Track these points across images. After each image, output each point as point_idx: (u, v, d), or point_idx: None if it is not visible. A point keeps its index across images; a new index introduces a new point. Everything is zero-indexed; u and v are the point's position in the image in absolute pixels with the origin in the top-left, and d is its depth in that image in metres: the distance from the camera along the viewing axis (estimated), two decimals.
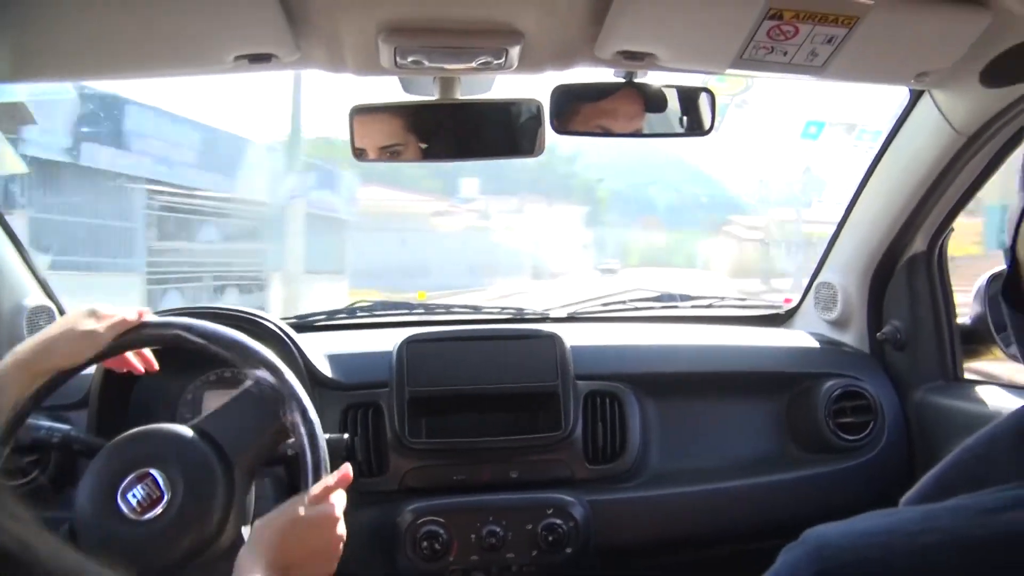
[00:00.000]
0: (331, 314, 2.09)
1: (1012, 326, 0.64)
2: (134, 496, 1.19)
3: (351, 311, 2.12)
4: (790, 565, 0.53)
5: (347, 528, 1.23)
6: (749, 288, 18.88)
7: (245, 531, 1.23)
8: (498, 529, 1.55)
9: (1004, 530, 0.49)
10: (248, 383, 1.26)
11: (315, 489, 1.15)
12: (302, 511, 1.12)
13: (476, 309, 2.13)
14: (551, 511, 1.57)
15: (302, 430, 1.22)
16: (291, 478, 1.42)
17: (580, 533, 1.57)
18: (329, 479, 1.17)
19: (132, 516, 1.17)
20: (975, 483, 0.55)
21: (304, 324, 2.03)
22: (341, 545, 1.17)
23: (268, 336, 1.56)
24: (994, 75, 1.31)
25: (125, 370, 1.33)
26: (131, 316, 1.24)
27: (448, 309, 2.13)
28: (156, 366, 1.34)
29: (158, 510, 1.17)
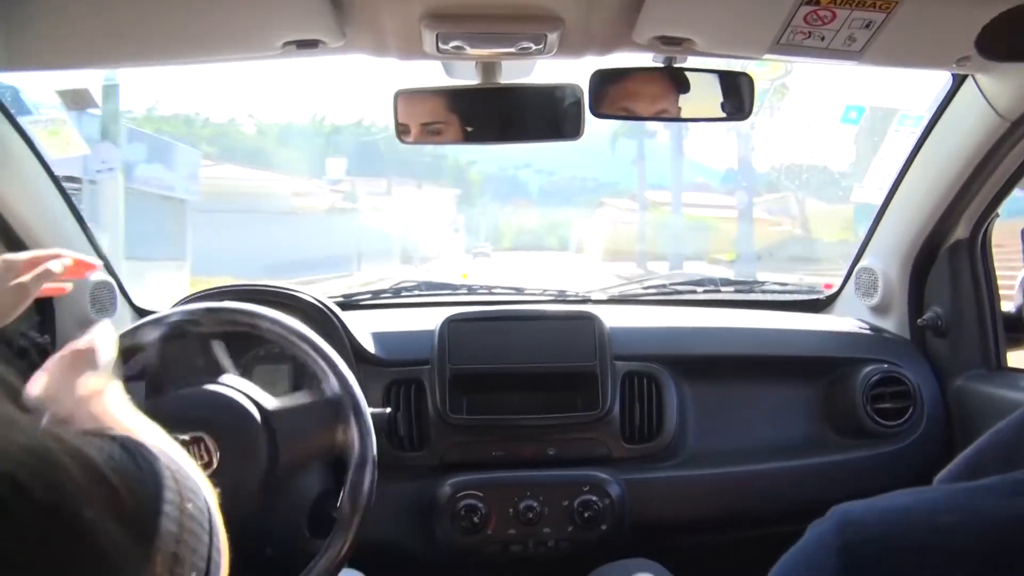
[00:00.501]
0: (376, 293, 2.14)
1: None
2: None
3: (396, 291, 2.17)
4: (815, 539, 0.54)
5: (388, 501, 1.28)
6: (624, 271, 18.88)
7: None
8: (535, 504, 1.59)
9: (1020, 513, 0.49)
10: (326, 394, 1.32)
11: None
12: None
13: (518, 290, 2.16)
14: (587, 488, 1.60)
15: (355, 449, 1.28)
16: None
17: (615, 510, 1.60)
18: None
19: None
20: (1004, 465, 0.55)
21: (349, 303, 2.08)
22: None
23: (311, 313, 1.62)
24: None
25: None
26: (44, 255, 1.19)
27: (490, 290, 2.17)
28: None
29: (208, 472, 1.23)
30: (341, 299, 2.09)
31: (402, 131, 1.47)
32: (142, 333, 1.34)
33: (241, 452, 1.25)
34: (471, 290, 2.18)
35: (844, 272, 2.04)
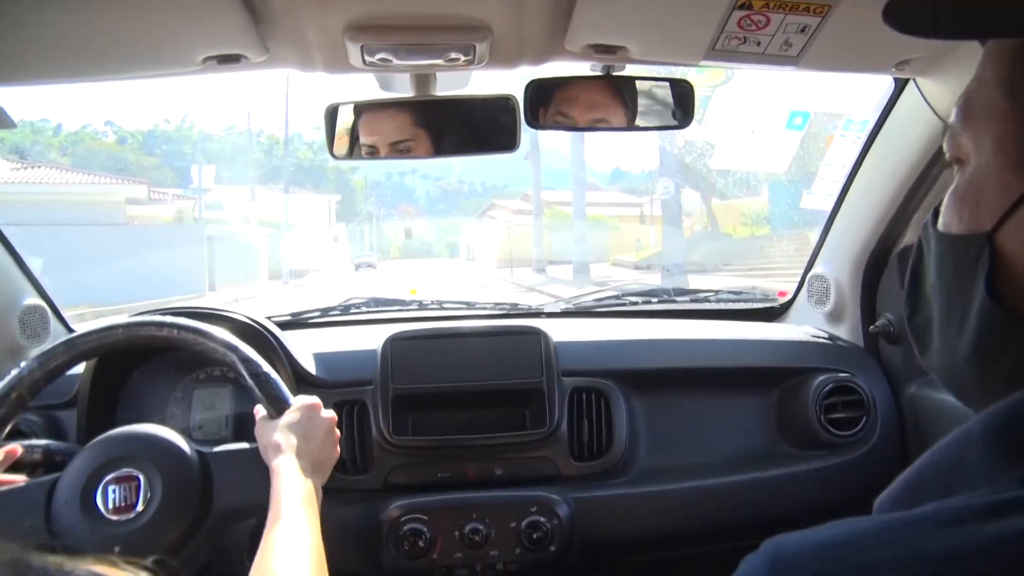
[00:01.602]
0: (325, 311, 2.10)
1: (982, 326, 0.59)
2: (113, 493, 1.20)
3: (345, 308, 2.13)
4: (746, 575, 0.52)
5: (331, 526, 1.25)
6: (522, 279, 18.77)
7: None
8: (481, 527, 1.54)
9: (960, 543, 0.46)
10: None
11: (304, 399, 1.30)
12: (306, 415, 1.28)
13: (470, 305, 2.13)
14: (535, 508, 1.56)
15: (243, 369, 1.31)
16: None
17: (564, 530, 1.56)
18: (304, 396, 1.32)
19: (107, 515, 1.19)
20: (944, 488, 0.53)
21: (298, 321, 2.04)
22: (338, 448, 1.33)
23: (245, 332, 1.57)
24: None
25: None
26: None
27: (441, 305, 2.13)
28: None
29: (131, 515, 1.19)
30: (288, 318, 2.05)
31: (333, 147, 1.43)
32: (55, 356, 1.28)
33: (174, 493, 1.21)
34: (422, 305, 2.14)
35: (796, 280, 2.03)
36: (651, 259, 19.95)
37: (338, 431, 1.35)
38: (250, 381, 1.31)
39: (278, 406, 1.29)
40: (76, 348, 1.31)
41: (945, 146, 0.63)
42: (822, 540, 0.50)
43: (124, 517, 1.19)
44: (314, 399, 1.32)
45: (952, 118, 0.62)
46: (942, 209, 0.63)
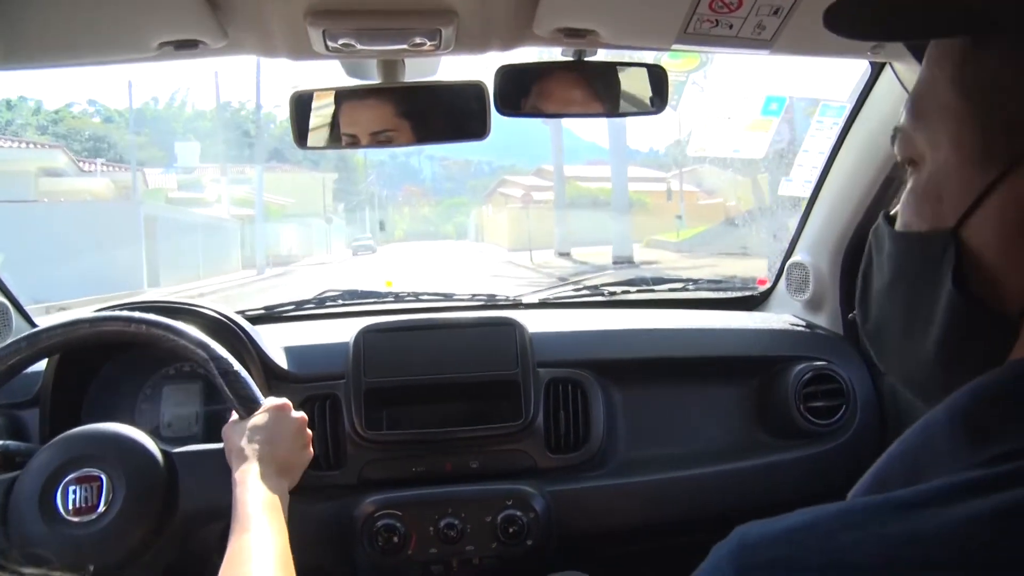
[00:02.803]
0: (299, 304, 2.07)
1: (950, 319, 0.59)
2: (74, 494, 1.17)
3: (320, 301, 2.10)
4: (713, 564, 0.52)
5: (305, 522, 1.23)
6: (545, 264, 17.09)
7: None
8: (456, 521, 1.52)
9: (922, 526, 0.46)
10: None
11: (273, 401, 1.28)
12: (274, 417, 1.26)
13: (446, 296, 2.11)
14: (511, 502, 1.54)
15: (213, 368, 1.28)
16: None
17: (541, 524, 1.54)
18: (274, 398, 1.30)
19: (66, 516, 1.16)
20: (911, 476, 0.53)
21: (270, 315, 2.01)
22: (310, 448, 1.31)
23: (215, 327, 1.53)
24: None
25: None
26: None
27: (417, 296, 2.11)
28: None
29: (91, 516, 1.16)
30: (261, 311, 2.02)
31: (299, 135, 1.39)
32: (16, 352, 1.25)
33: (137, 495, 1.19)
34: (398, 297, 2.12)
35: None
36: (696, 240, 17.75)
37: (310, 431, 1.32)
38: (220, 380, 1.28)
39: (248, 406, 1.27)
40: (39, 343, 1.27)
41: (896, 148, 0.64)
42: (787, 525, 0.51)
43: (85, 518, 1.16)
44: (283, 400, 1.29)
45: (902, 119, 0.63)
46: (900, 209, 0.63)
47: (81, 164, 19.92)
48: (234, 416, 1.28)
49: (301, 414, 1.30)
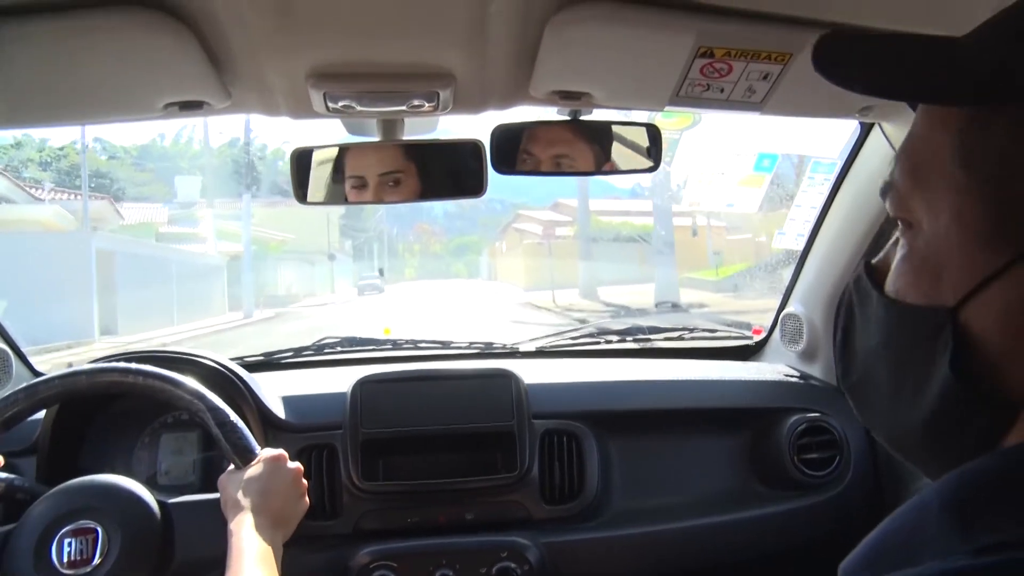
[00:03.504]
0: (298, 351, 2.08)
1: (951, 406, 0.56)
2: (69, 547, 1.18)
3: (319, 348, 2.11)
4: None
5: (299, 572, 1.23)
6: (568, 300, 15.98)
7: None
8: (451, 573, 1.52)
9: None
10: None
11: (270, 452, 1.29)
12: (269, 468, 1.27)
13: (444, 344, 2.12)
14: (505, 554, 1.54)
15: (209, 418, 1.30)
16: None
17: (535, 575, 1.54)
18: (270, 449, 1.31)
19: (61, 569, 1.16)
20: (903, 556, 0.52)
21: (269, 362, 2.02)
22: (306, 499, 1.32)
23: (212, 377, 1.55)
24: None
25: None
26: None
27: (416, 344, 2.12)
28: None
29: (86, 569, 1.17)
30: (260, 358, 2.03)
31: (300, 190, 1.42)
32: (13, 404, 1.26)
33: (132, 547, 1.19)
34: (396, 345, 2.13)
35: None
36: (736, 278, 16.19)
37: (306, 481, 1.33)
38: (216, 431, 1.29)
39: (244, 456, 1.28)
40: (36, 395, 1.29)
41: (888, 205, 0.60)
42: None
43: (80, 571, 1.17)
44: (279, 451, 1.30)
45: (896, 174, 0.59)
46: (892, 274, 0.60)
47: (32, 191, 18.03)
48: (231, 466, 1.29)
49: (297, 465, 1.31)
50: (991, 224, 0.51)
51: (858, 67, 0.57)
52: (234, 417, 1.31)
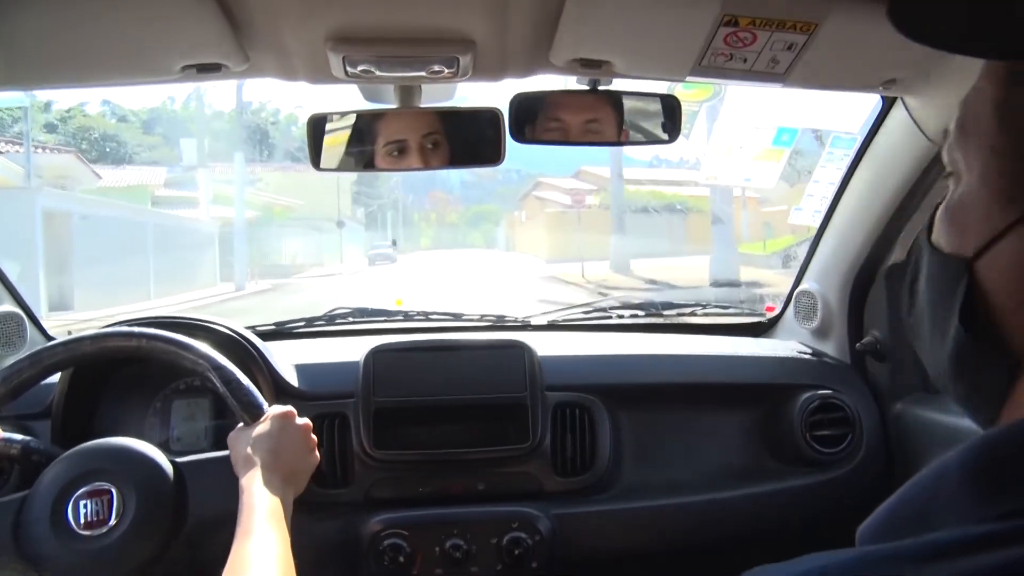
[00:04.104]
0: (310, 321, 2.08)
1: (968, 359, 0.59)
2: (85, 508, 1.18)
3: (330, 318, 2.11)
4: None
5: (311, 540, 1.23)
6: (598, 275, 14.48)
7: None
8: (462, 543, 1.53)
9: None
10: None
11: (278, 409, 1.30)
12: (278, 425, 1.27)
13: (456, 316, 2.11)
14: (516, 525, 1.54)
15: (215, 377, 1.30)
16: None
17: (546, 547, 1.54)
18: (278, 406, 1.32)
19: (78, 530, 1.17)
20: (922, 522, 0.53)
21: (282, 331, 2.03)
22: (316, 453, 1.33)
23: (227, 344, 1.55)
24: None
25: None
26: None
27: (427, 316, 2.11)
28: None
29: (103, 529, 1.17)
30: (272, 327, 2.03)
31: (315, 157, 1.41)
32: (19, 372, 1.26)
33: (147, 507, 1.20)
34: (407, 316, 2.12)
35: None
36: (786, 251, 13.29)
37: (315, 437, 1.34)
38: (223, 388, 1.30)
39: (252, 413, 1.29)
40: (41, 362, 1.28)
41: (944, 156, 0.61)
42: (797, 572, 0.50)
43: (96, 532, 1.17)
44: (287, 408, 1.31)
45: (951, 124, 0.60)
46: (935, 222, 0.62)
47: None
48: (240, 426, 1.30)
49: (306, 421, 1.32)
50: (1011, 181, 0.53)
51: (930, 20, 0.57)
52: (240, 374, 1.31)
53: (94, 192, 17.60)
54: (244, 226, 18.29)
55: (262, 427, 1.26)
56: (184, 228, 18.39)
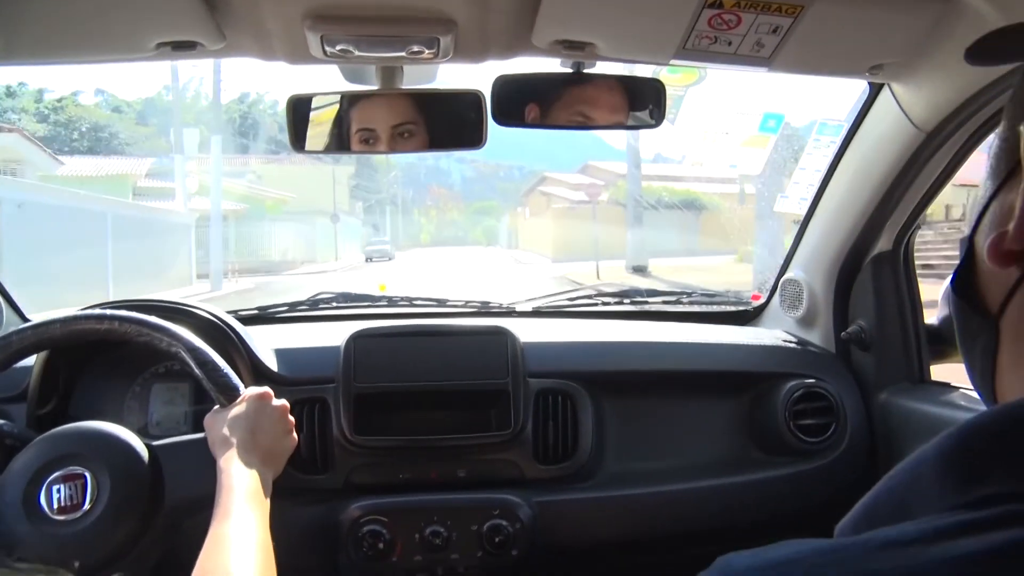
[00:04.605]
0: (293, 305, 2.07)
1: (959, 323, 0.63)
2: (59, 493, 1.17)
3: (313, 303, 2.09)
4: None
5: (290, 526, 1.23)
6: (613, 276, 13.13)
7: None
8: (442, 529, 1.52)
9: (906, 564, 0.46)
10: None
11: (254, 390, 1.29)
12: (255, 406, 1.27)
13: (440, 302, 2.10)
14: (497, 512, 1.53)
15: (190, 359, 1.29)
16: None
17: (527, 534, 1.53)
18: (255, 387, 1.31)
19: (51, 515, 1.15)
20: (900, 512, 0.53)
21: (264, 316, 2.01)
22: (294, 435, 1.33)
23: (206, 328, 1.53)
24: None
25: None
26: None
27: (411, 301, 2.10)
28: None
29: (77, 514, 1.16)
30: (255, 312, 2.02)
31: (296, 139, 1.39)
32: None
33: (122, 491, 1.18)
34: (391, 302, 2.11)
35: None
36: None
37: (292, 419, 1.33)
38: (198, 371, 1.29)
39: (228, 395, 1.28)
40: (11, 347, 1.27)
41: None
42: (772, 559, 0.50)
43: (70, 517, 1.16)
44: (264, 389, 1.31)
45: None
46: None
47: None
48: (216, 407, 1.29)
49: (283, 402, 1.32)
50: (1001, 157, 0.58)
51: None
52: (215, 355, 1.30)
53: (63, 181, 16.19)
54: (220, 219, 16.96)
55: (238, 408, 1.25)
56: (155, 220, 16.79)
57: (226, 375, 1.28)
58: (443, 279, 14.37)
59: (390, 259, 25.53)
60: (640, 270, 14.40)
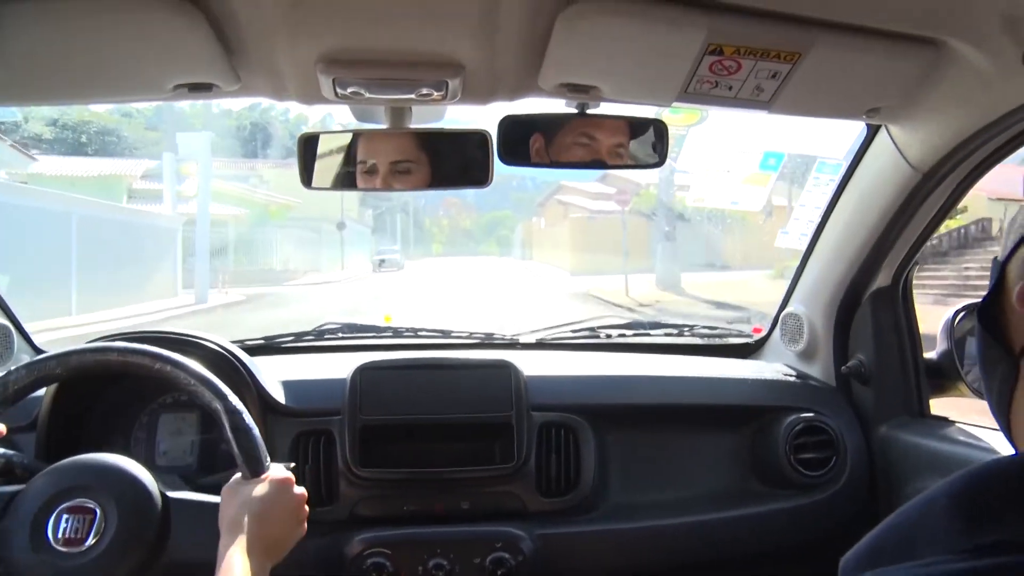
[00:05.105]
0: (299, 336, 2.09)
1: (980, 349, 0.64)
2: (66, 524, 1.17)
3: (319, 333, 2.11)
4: None
5: (294, 558, 1.23)
6: (643, 293, 12.33)
7: None
8: (445, 562, 1.53)
9: None
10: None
11: (277, 472, 1.24)
12: (274, 491, 1.21)
13: (444, 333, 2.12)
14: (500, 544, 1.55)
15: (226, 422, 1.24)
16: None
17: (529, 567, 1.54)
18: (280, 467, 1.26)
19: (56, 545, 1.16)
20: (906, 551, 0.54)
21: (270, 346, 2.03)
22: (305, 525, 1.27)
23: (214, 360, 1.55)
24: None
25: None
26: None
27: (416, 333, 2.12)
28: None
29: (80, 548, 1.16)
30: (261, 342, 2.04)
31: (306, 175, 1.42)
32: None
33: (127, 534, 1.18)
34: (396, 333, 2.13)
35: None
36: None
37: (307, 508, 1.29)
38: (231, 434, 1.24)
39: (253, 467, 1.23)
40: (8, 388, 1.23)
41: None
42: None
43: (74, 550, 1.15)
44: (287, 474, 1.25)
45: None
46: None
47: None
48: (237, 475, 1.24)
49: (302, 491, 1.27)
50: None
51: None
52: (250, 422, 1.25)
53: (43, 181, 14.25)
54: (207, 222, 15.43)
55: (259, 489, 1.21)
56: (134, 224, 14.88)
57: (258, 448, 1.24)
58: (453, 302, 13.08)
59: (400, 268, 24.51)
60: (671, 287, 13.27)
